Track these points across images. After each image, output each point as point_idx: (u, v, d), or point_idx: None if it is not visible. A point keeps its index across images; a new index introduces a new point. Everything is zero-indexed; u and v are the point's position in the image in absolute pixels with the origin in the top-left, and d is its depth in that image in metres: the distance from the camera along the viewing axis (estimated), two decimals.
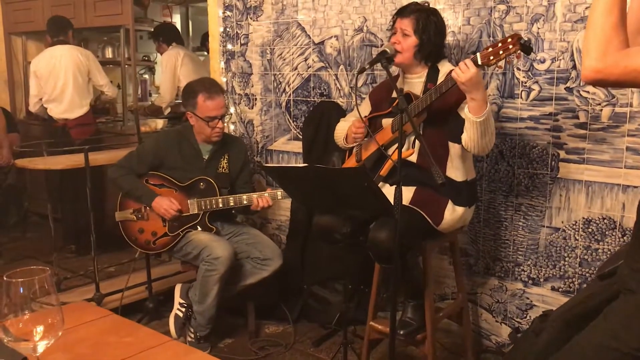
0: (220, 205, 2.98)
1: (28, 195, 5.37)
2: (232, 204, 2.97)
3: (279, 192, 2.92)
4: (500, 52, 2.15)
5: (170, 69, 4.89)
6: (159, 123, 4.87)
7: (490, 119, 2.25)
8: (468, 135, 2.28)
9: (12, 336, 1.05)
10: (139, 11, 5.48)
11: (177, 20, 6.31)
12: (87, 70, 4.58)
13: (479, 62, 2.18)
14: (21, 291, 1.03)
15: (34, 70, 4.52)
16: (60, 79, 4.48)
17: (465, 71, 2.15)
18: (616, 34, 1.29)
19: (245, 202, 2.95)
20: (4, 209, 5.20)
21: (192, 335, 2.97)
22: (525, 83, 2.65)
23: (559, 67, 2.56)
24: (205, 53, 5.48)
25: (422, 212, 2.36)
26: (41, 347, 1.06)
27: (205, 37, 5.12)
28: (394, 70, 2.66)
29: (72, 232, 4.54)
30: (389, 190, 2.31)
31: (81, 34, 5.61)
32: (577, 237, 2.61)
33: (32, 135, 5.12)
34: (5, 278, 1.03)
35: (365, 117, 2.60)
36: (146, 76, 6.20)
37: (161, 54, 5.11)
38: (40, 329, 1.05)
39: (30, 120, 5.39)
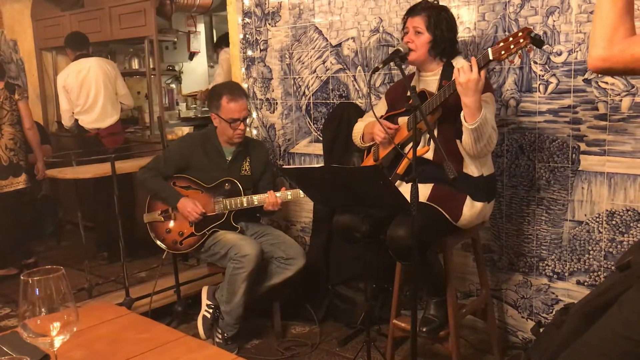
0: (245, 204, 3.05)
1: (61, 205, 5.52)
2: (256, 202, 3.03)
3: (300, 191, 2.96)
4: (512, 46, 2.14)
5: (228, 66, 4.97)
6: (185, 131, 4.96)
7: (484, 127, 2.21)
8: (464, 139, 2.28)
9: (32, 332, 1.10)
10: (164, 22, 5.57)
11: (201, 29, 6.39)
12: (115, 80, 4.71)
13: (490, 57, 2.18)
14: (37, 290, 1.08)
15: (63, 85, 4.63)
16: (92, 90, 4.59)
17: (467, 72, 2.16)
18: (622, 21, 1.28)
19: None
20: (40, 219, 5.36)
21: (220, 336, 3.02)
22: (543, 76, 2.63)
23: (576, 59, 2.53)
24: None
25: (440, 209, 2.37)
26: (58, 342, 1.12)
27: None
28: (411, 69, 2.68)
29: (104, 239, 4.65)
30: (406, 188, 2.31)
31: (108, 47, 5.76)
32: (601, 230, 2.58)
33: (63, 146, 5.27)
34: (22, 277, 1.09)
35: (382, 116, 2.61)
36: (173, 85, 6.30)
37: None
38: (56, 324, 1.10)
39: (62, 132, 5.55)
